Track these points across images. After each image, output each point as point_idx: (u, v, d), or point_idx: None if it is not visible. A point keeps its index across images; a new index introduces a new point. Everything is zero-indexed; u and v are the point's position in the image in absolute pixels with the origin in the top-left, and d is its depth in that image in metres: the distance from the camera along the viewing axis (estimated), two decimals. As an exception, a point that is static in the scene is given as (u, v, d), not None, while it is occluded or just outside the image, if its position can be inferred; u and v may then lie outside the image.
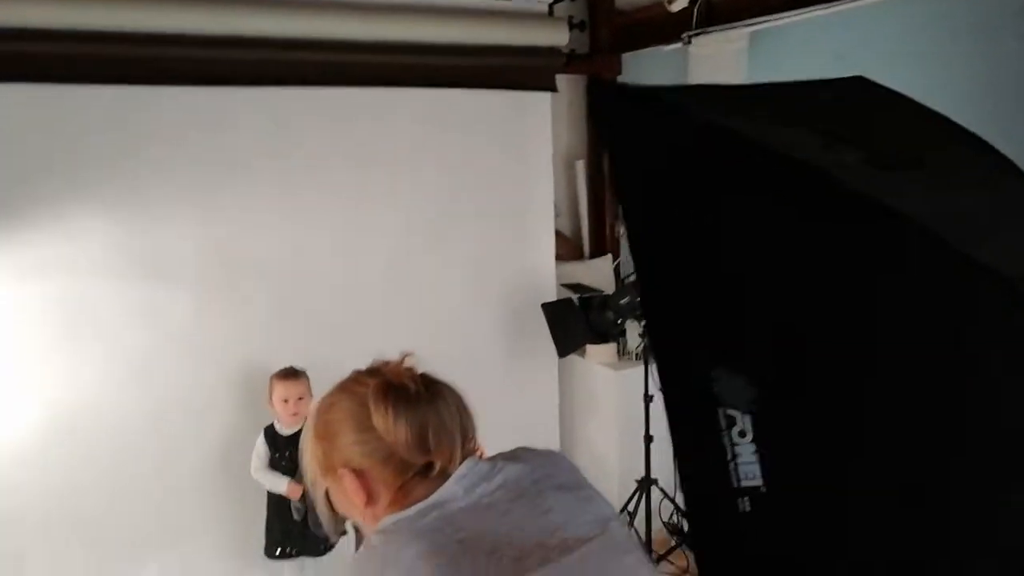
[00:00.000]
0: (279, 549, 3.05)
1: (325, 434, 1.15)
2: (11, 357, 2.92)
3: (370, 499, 1.11)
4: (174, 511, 3.15)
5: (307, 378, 3.06)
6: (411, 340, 3.74)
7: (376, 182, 3.46)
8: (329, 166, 3.35)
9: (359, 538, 1.19)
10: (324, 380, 1.31)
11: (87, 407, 3.03)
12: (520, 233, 3.80)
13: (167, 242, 3.11)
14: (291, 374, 3.05)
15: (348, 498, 1.13)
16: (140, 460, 3.11)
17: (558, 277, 3.86)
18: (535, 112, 3.76)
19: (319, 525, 2.88)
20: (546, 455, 1.17)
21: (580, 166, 4.13)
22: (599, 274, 4.01)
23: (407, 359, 1.19)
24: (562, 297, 3.65)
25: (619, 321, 3.38)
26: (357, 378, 1.18)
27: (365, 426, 1.10)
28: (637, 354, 3.72)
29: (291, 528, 3.02)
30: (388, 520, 1.06)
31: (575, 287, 3.62)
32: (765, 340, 1.13)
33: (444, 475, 1.08)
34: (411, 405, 1.10)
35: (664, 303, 1.25)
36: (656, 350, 1.27)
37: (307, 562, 3.07)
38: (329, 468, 1.14)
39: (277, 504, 3.04)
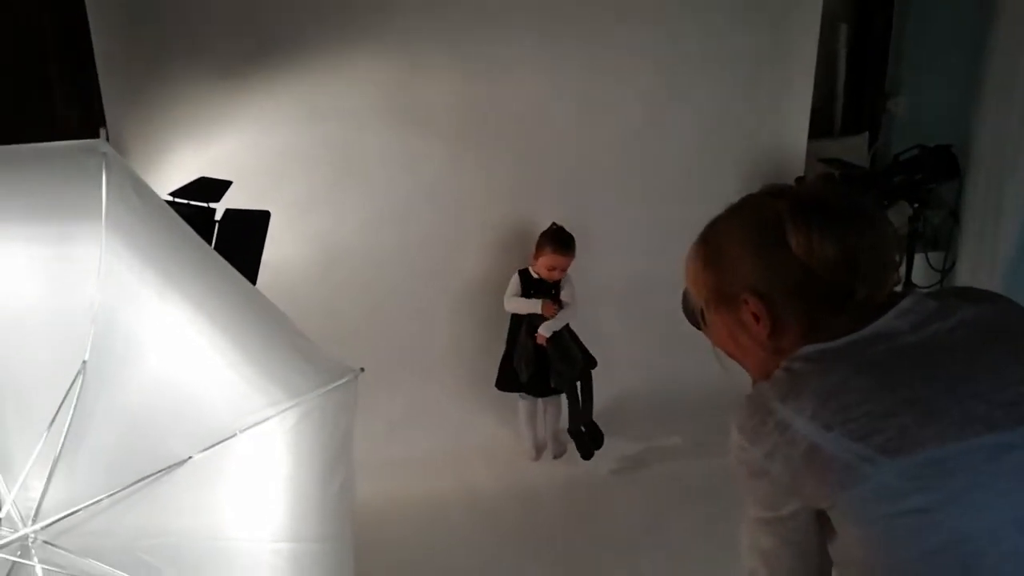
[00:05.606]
0: (509, 383, 3.25)
1: (718, 261, 1.04)
2: (286, 197, 3.13)
3: (775, 329, 0.99)
4: (424, 347, 3.39)
5: (575, 247, 3.11)
6: (648, 209, 3.64)
7: (627, 37, 3.31)
8: (582, 18, 3.24)
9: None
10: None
11: (349, 247, 3.24)
12: (773, 101, 3.55)
13: (427, 95, 3.17)
14: (566, 245, 3.09)
15: (745, 330, 1.02)
16: (394, 299, 3.33)
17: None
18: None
19: (560, 373, 3.03)
20: (1002, 299, 1.01)
21: (843, 30, 3.75)
22: (851, 153, 3.70)
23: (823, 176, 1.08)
24: (813, 173, 3.42)
25: (884, 203, 3.12)
26: (755, 198, 1.05)
27: (776, 247, 0.97)
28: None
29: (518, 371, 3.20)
30: (810, 349, 0.94)
31: (832, 162, 3.35)
32: None
33: (868, 307, 0.95)
34: (838, 223, 0.96)
35: None
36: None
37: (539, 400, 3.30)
38: (725, 297, 1.03)
39: (512, 345, 3.22)
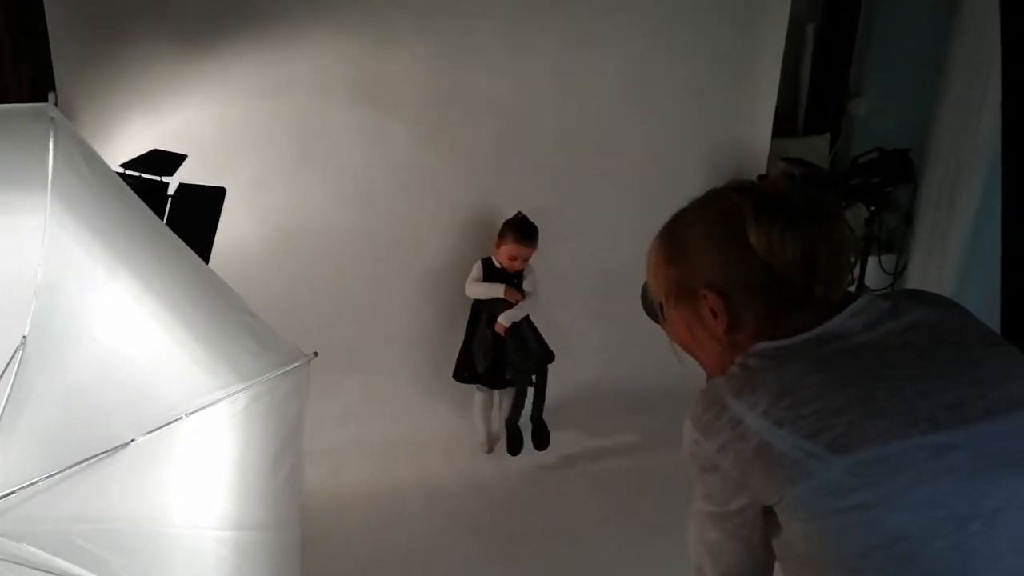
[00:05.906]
0: (466, 374, 3.24)
1: (680, 255, 1.05)
2: (243, 173, 3.05)
3: (732, 325, 1.00)
4: (382, 333, 3.35)
5: (538, 238, 3.08)
6: (613, 203, 3.64)
7: (597, 33, 3.31)
8: (554, 11, 3.22)
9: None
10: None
11: (308, 227, 3.18)
12: (739, 100, 3.58)
13: (394, 71, 3.11)
14: (528, 236, 3.07)
15: (703, 325, 1.03)
16: (352, 283, 3.28)
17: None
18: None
19: (518, 368, 3.00)
20: (951, 303, 1.03)
21: (809, 31, 3.79)
22: (812, 153, 3.75)
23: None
24: (775, 172, 3.46)
25: (842, 204, 3.17)
26: (719, 193, 1.05)
27: (737, 243, 0.98)
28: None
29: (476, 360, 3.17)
30: (765, 345, 0.96)
31: (794, 161, 3.40)
32: None
33: (824, 305, 0.97)
34: (799, 222, 0.97)
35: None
36: None
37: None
38: (685, 291, 1.04)
39: (471, 335, 3.20)
